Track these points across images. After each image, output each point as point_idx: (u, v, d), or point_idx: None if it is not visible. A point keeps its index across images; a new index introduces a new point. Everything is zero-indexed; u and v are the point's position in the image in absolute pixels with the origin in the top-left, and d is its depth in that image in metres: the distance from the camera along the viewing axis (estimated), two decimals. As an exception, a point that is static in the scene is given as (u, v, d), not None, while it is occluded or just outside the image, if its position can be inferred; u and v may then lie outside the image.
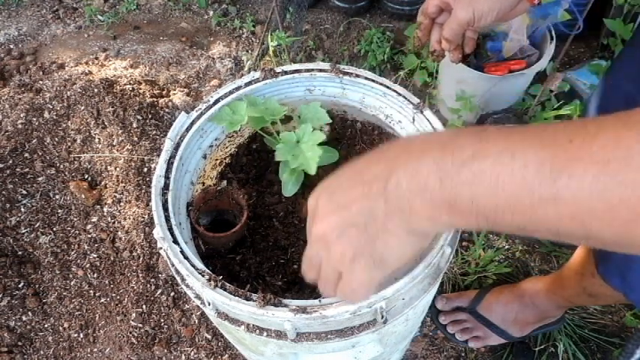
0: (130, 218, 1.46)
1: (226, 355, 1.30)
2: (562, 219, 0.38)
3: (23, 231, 1.47)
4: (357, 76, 0.83)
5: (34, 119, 1.61)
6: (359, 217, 0.46)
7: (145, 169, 1.53)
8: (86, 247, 1.45)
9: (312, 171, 0.74)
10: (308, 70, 0.84)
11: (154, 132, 1.59)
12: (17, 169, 1.54)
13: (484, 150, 0.40)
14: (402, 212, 0.44)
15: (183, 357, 1.30)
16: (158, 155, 1.48)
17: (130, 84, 1.68)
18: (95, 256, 1.44)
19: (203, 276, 0.64)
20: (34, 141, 1.58)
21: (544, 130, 0.39)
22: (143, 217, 1.45)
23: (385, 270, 0.49)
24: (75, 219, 1.49)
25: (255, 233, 0.82)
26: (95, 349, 1.33)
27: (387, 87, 0.81)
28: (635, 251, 0.38)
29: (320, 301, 0.60)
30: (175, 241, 0.67)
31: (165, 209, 0.71)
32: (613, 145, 0.35)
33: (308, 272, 0.54)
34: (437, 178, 0.42)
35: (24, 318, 1.37)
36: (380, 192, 0.45)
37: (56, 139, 1.59)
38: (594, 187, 0.35)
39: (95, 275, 1.41)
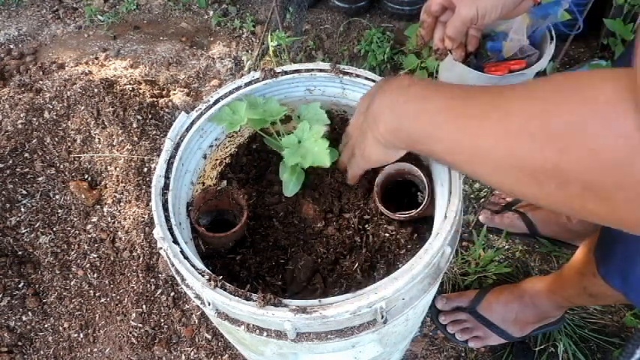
0: (130, 218, 1.46)
1: (226, 355, 1.30)
2: (445, 155, 0.55)
3: (23, 231, 1.47)
4: (357, 76, 0.83)
5: (34, 119, 1.61)
6: (357, 126, 0.70)
7: (145, 169, 1.53)
8: (86, 247, 1.45)
9: (327, 163, 0.74)
10: (308, 70, 0.84)
11: (154, 132, 1.59)
12: (17, 169, 1.54)
13: (422, 95, 0.57)
14: (371, 129, 0.65)
15: (183, 357, 1.30)
16: (158, 155, 1.48)
17: (130, 84, 1.68)
18: (95, 256, 1.44)
19: (203, 276, 0.64)
20: (34, 141, 1.58)
21: (466, 87, 0.54)
22: (143, 217, 1.45)
23: (368, 163, 0.71)
24: (75, 219, 1.49)
25: (255, 233, 0.82)
26: (95, 349, 1.33)
27: (387, 87, 0.81)
28: (502, 191, 0.55)
29: (320, 301, 0.60)
30: (175, 241, 0.67)
31: (166, 209, 0.71)
32: (482, 105, 0.49)
33: (342, 156, 0.80)
34: (391, 109, 0.60)
35: (24, 318, 1.37)
36: (365, 111, 0.67)
37: (56, 139, 1.59)
38: (460, 132, 0.51)
39: (95, 275, 1.41)
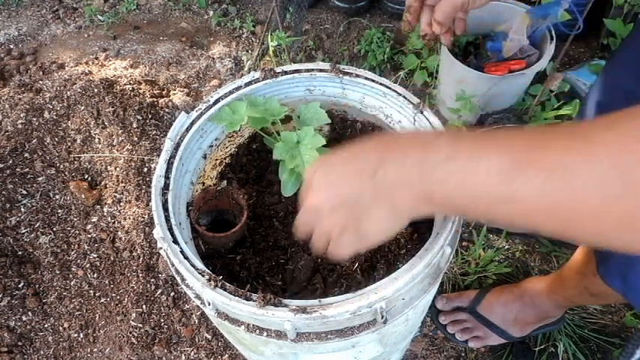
0: (130, 218, 1.46)
1: (226, 355, 1.30)
2: (515, 215, 0.44)
3: (23, 231, 1.47)
4: (357, 76, 0.83)
5: (34, 119, 1.61)
6: (349, 198, 0.54)
7: (145, 169, 1.53)
8: (86, 247, 1.45)
9: (304, 176, 0.74)
10: (308, 70, 0.84)
11: (154, 132, 1.59)
12: (17, 169, 1.54)
13: (456, 153, 0.46)
14: (387, 199, 0.52)
15: (183, 357, 1.30)
16: (158, 155, 1.48)
17: (130, 84, 1.68)
18: (95, 256, 1.44)
19: (203, 276, 0.64)
20: (34, 141, 1.58)
21: (508, 137, 0.45)
22: (143, 217, 1.45)
23: (366, 244, 0.58)
24: (75, 219, 1.49)
25: (255, 233, 0.82)
26: (95, 349, 1.33)
27: (387, 87, 0.81)
28: (578, 243, 0.46)
29: (320, 301, 0.60)
30: (175, 241, 0.67)
31: (166, 209, 0.71)
32: (562, 153, 0.40)
33: (299, 233, 0.63)
34: (417, 174, 0.48)
35: (24, 318, 1.37)
36: (369, 179, 0.52)
37: (56, 139, 1.59)
38: (541, 190, 0.41)
39: (95, 275, 1.41)
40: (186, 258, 0.66)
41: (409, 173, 0.49)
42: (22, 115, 1.61)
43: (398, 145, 0.52)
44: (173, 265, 0.66)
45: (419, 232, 0.80)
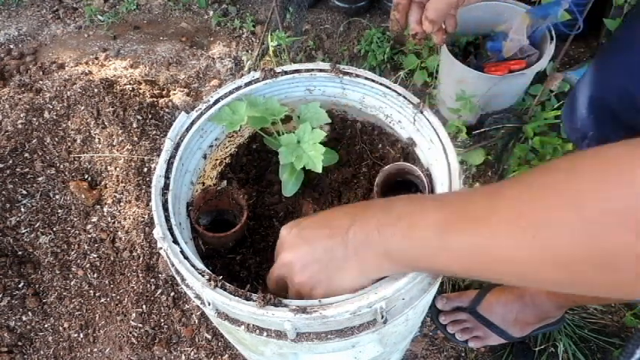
0: (130, 218, 1.46)
1: (226, 355, 1.30)
2: (451, 264, 0.50)
3: (23, 231, 1.47)
4: (357, 76, 0.83)
5: (34, 119, 1.61)
6: (322, 254, 0.58)
7: (145, 169, 1.53)
8: (86, 247, 1.45)
9: (319, 169, 0.74)
10: (308, 70, 0.84)
11: (154, 132, 1.59)
12: (17, 169, 1.54)
13: (406, 214, 0.53)
14: (357, 258, 0.56)
15: (183, 357, 1.30)
16: (158, 155, 1.48)
17: (130, 84, 1.68)
18: (95, 256, 1.44)
19: (203, 276, 0.64)
20: (34, 141, 1.58)
21: (447, 197, 0.54)
22: (143, 217, 1.45)
23: (337, 296, 0.60)
24: (75, 219, 1.49)
25: (255, 233, 0.82)
26: (95, 349, 1.33)
27: (387, 87, 0.81)
28: (506, 283, 0.50)
29: (320, 301, 0.60)
30: (175, 241, 0.67)
31: (166, 209, 0.71)
32: (485, 207, 0.47)
33: (271, 286, 0.66)
34: (377, 233, 0.54)
35: (24, 318, 1.37)
36: (341, 238, 0.56)
37: (56, 139, 1.59)
38: (467, 240, 0.47)
39: (95, 275, 1.41)
40: (186, 258, 0.66)
41: (371, 233, 0.54)
42: (22, 115, 1.61)
43: (368, 207, 0.58)
44: (173, 265, 0.66)
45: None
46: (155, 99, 1.67)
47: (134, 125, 1.57)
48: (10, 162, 1.54)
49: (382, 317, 0.62)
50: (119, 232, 1.46)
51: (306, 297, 0.61)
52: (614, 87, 0.83)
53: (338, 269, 0.58)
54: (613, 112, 0.82)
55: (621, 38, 0.88)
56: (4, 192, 1.50)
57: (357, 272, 0.57)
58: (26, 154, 1.57)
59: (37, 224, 1.48)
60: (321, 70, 0.84)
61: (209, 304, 0.64)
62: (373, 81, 0.82)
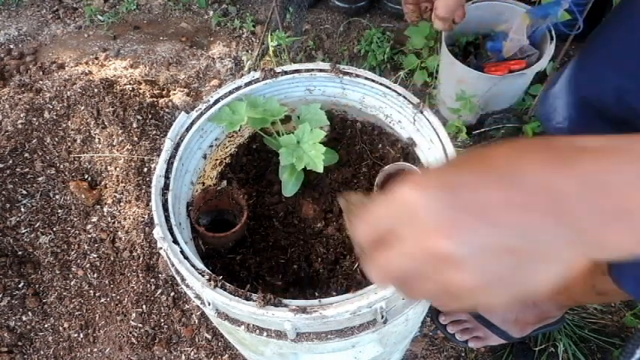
0: (130, 218, 1.46)
1: (226, 355, 1.30)
2: None
3: (23, 231, 1.47)
4: (357, 76, 0.83)
5: (34, 119, 1.61)
6: (511, 238, 0.33)
7: (145, 169, 1.53)
8: (86, 247, 1.45)
9: (320, 169, 0.74)
10: (308, 70, 0.84)
11: (154, 132, 1.59)
12: (17, 169, 1.54)
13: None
14: (583, 239, 0.33)
15: (183, 357, 1.30)
16: (158, 155, 1.48)
17: (130, 84, 1.68)
18: (95, 256, 1.44)
19: (203, 276, 0.64)
20: (34, 141, 1.58)
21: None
22: (143, 217, 1.45)
23: (511, 304, 0.37)
24: (75, 219, 1.49)
25: (255, 233, 0.82)
26: (95, 349, 1.33)
27: (387, 87, 0.81)
28: None
29: (320, 301, 0.60)
30: (175, 241, 0.67)
31: (166, 209, 0.71)
32: None
33: (384, 278, 0.39)
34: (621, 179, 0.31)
35: (24, 318, 1.37)
36: (548, 206, 0.32)
37: (56, 139, 1.59)
38: None
39: (95, 275, 1.41)
40: (186, 258, 0.66)
41: (630, 197, 0.31)
42: (22, 115, 1.61)
43: (585, 151, 0.33)
44: (173, 265, 0.66)
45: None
46: (155, 99, 1.67)
47: (134, 125, 1.57)
48: (10, 162, 1.54)
49: (382, 317, 0.62)
50: (119, 232, 1.46)
51: (469, 305, 0.37)
52: (611, 86, 0.81)
53: (537, 262, 0.34)
54: (600, 110, 0.80)
55: (612, 36, 0.85)
56: (4, 192, 1.50)
57: (572, 263, 0.35)
58: (26, 154, 1.57)
59: (37, 224, 1.48)
60: (321, 70, 0.84)
61: (209, 304, 0.64)
62: (373, 81, 0.82)
